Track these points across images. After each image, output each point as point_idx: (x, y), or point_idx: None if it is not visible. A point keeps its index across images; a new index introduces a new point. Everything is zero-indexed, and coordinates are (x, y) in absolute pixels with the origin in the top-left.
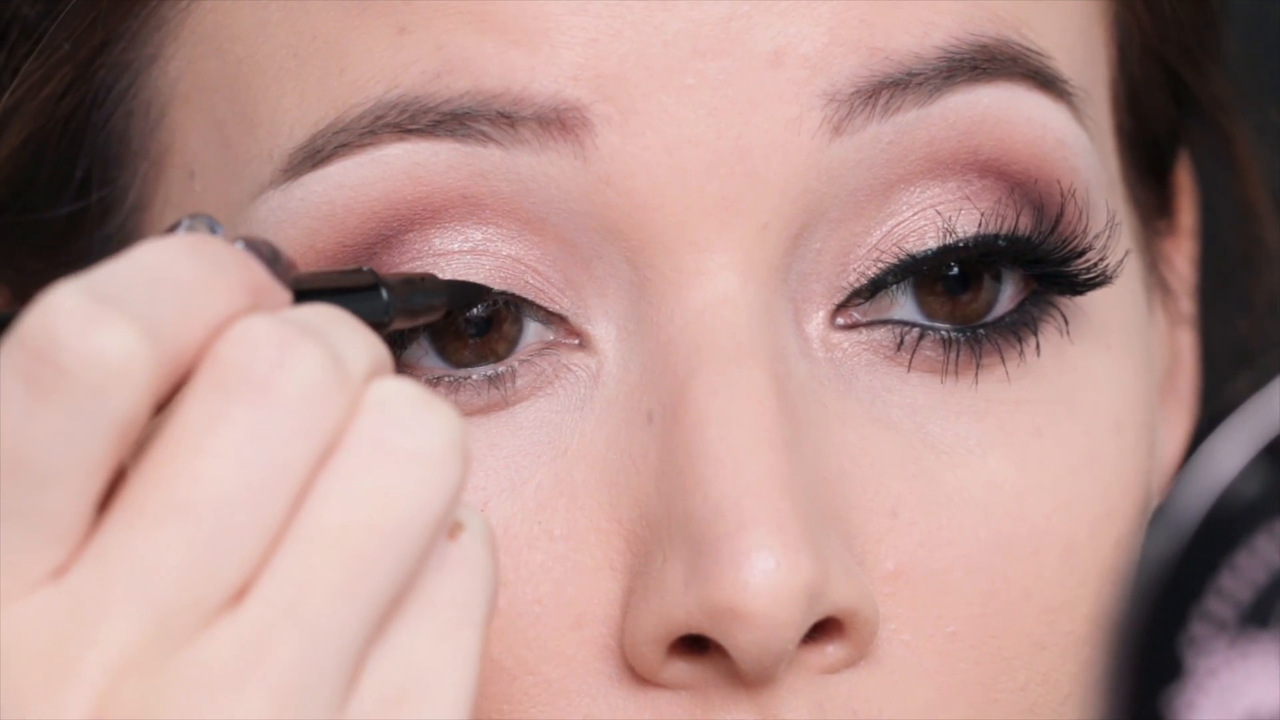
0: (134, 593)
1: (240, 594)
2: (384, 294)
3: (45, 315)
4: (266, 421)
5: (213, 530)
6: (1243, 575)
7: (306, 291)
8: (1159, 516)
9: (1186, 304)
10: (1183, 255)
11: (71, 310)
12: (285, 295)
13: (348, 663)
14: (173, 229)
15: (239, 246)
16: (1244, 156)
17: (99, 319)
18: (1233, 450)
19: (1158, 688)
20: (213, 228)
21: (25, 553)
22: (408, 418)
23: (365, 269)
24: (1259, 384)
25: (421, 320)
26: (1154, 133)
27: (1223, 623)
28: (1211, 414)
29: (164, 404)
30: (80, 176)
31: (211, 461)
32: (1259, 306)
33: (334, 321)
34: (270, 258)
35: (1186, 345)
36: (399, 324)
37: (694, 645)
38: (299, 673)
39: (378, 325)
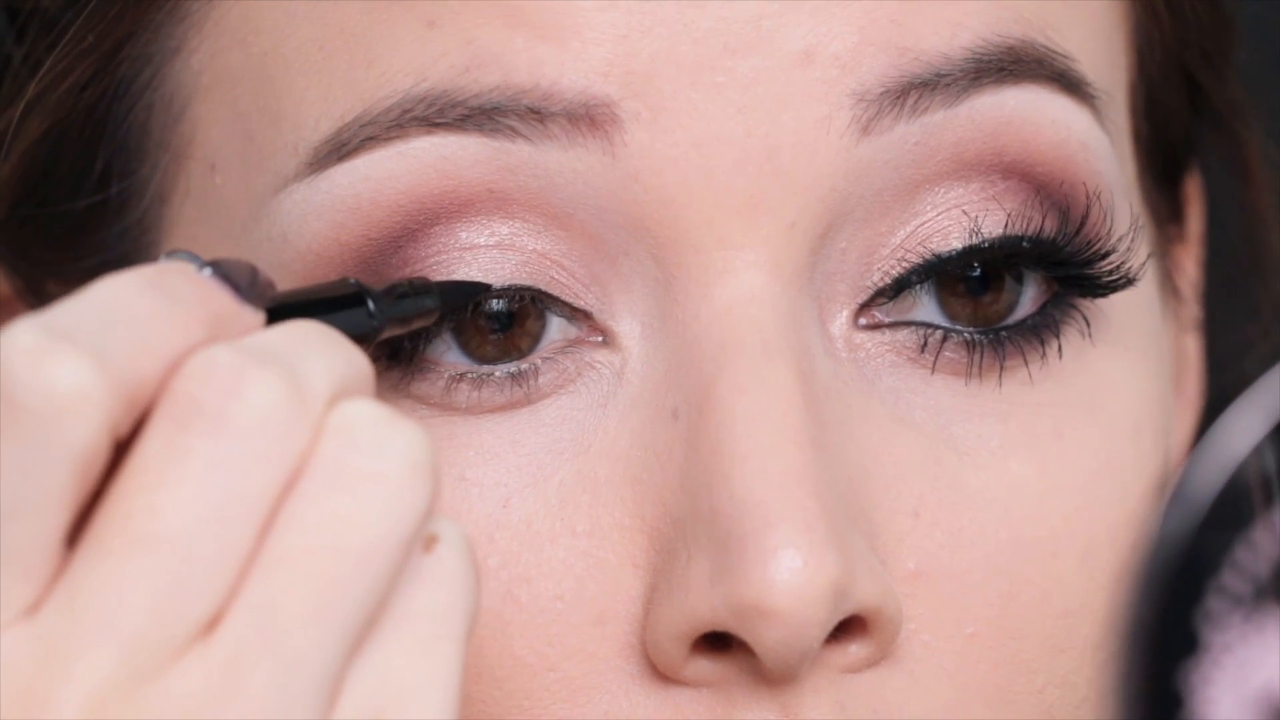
0: (104, 629)
1: (211, 625)
2: (370, 305)
3: (1, 353)
4: (224, 452)
5: (177, 563)
6: (1258, 550)
7: (290, 308)
8: (1174, 493)
9: (1194, 309)
10: (1192, 261)
11: (26, 346)
12: (256, 318)
13: (323, 687)
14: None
15: (207, 273)
16: (1255, 163)
17: (52, 353)
18: (1247, 427)
19: (1174, 663)
20: (192, 261)
21: None
22: (371, 439)
23: (351, 280)
24: (1269, 363)
25: (415, 325)
26: (1170, 138)
27: (1239, 598)
28: (1224, 392)
29: (127, 439)
30: (100, 169)
31: (172, 494)
32: (1265, 312)
33: (297, 345)
34: (245, 281)
35: (1193, 349)
36: (391, 332)
37: (716, 643)
38: (273, 700)
39: (366, 336)
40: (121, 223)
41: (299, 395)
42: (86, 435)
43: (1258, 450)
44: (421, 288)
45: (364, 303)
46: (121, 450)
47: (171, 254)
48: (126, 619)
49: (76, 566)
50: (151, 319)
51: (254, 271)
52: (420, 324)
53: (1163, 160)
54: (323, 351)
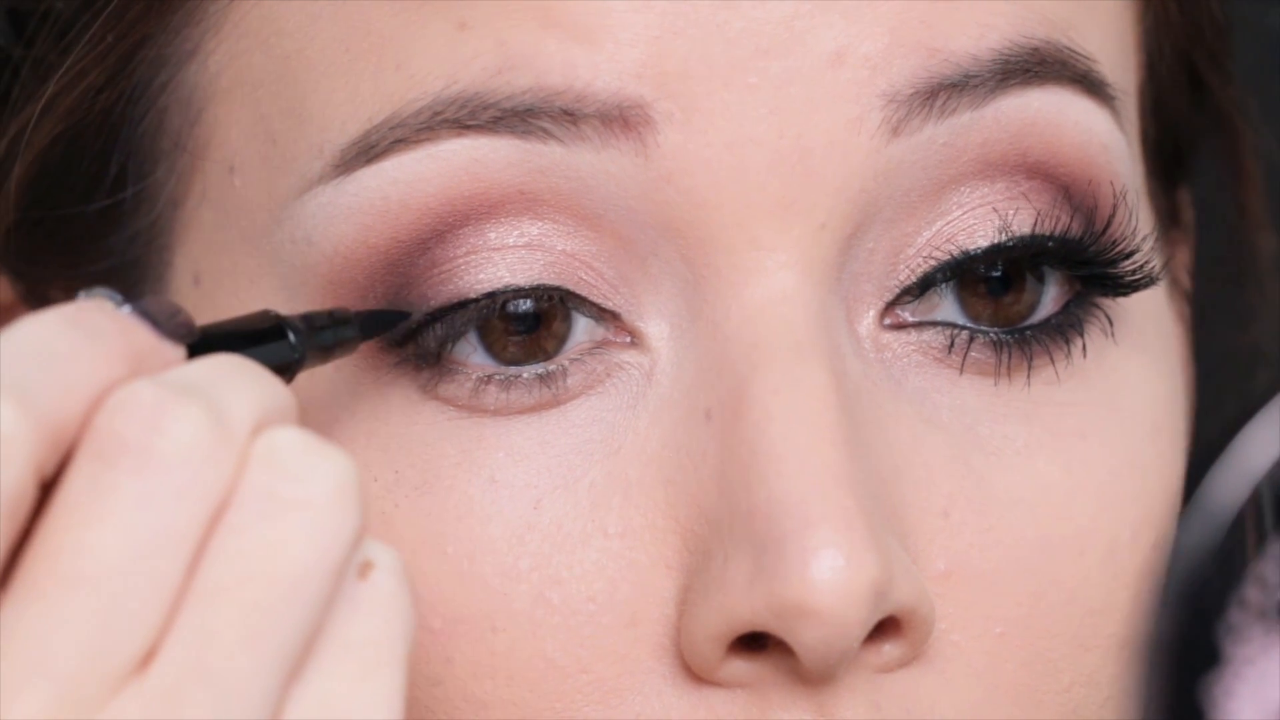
0: (38, 668)
1: (146, 659)
2: (290, 336)
3: None
4: (148, 486)
5: (108, 600)
6: None
7: (211, 342)
8: (1195, 505)
9: (1187, 310)
10: (1186, 263)
11: None
12: (176, 353)
13: (261, 716)
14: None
15: (126, 310)
16: (1249, 163)
17: None
18: (1269, 439)
19: (1196, 676)
20: (111, 299)
21: None
22: (295, 467)
23: (270, 312)
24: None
25: (337, 355)
26: (1174, 139)
27: (1261, 611)
28: (1246, 406)
29: (53, 478)
30: (114, 173)
31: (98, 532)
32: (1264, 315)
33: (218, 377)
34: (165, 317)
35: (1186, 349)
36: (313, 363)
37: (751, 644)
38: None
39: (288, 367)
40: (133, 227)
41: (222, 426)
42: (12, 478)
43: (1279, 464)
44: (341, 318)
45: (284, 335)
46: (48, 489)
47: (90, 292)
48: (60, 658)
49: (7, 608)
50: (72, 357)
51: (175, 309)
52: (341, 354)
53: (1165, 161)
54: (244, 383)
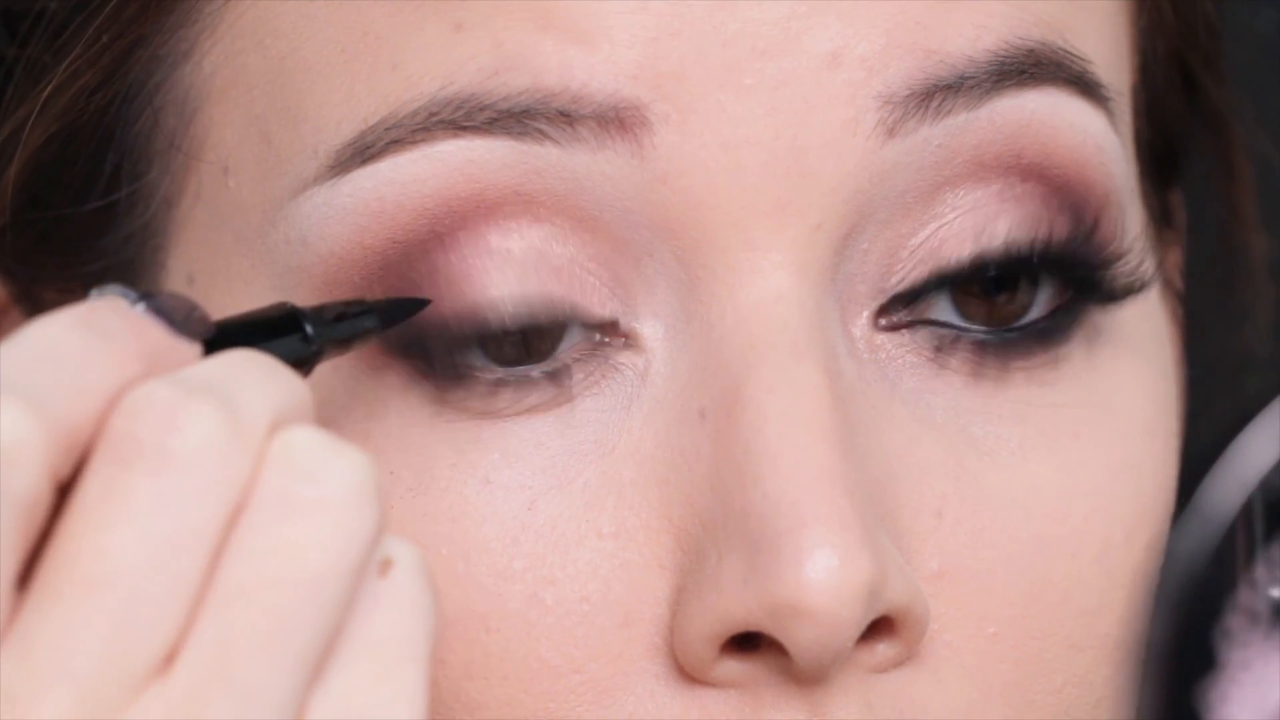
0: (60, 672)
1: (167, 661)
2: (308, 329)
3: None
4: (165, 487)
5: (127, 602)
6: (1277, 568)
7: (227, 337)
8: (1192, 510)
9: (1179, 312)
10: (1178, 264)
11: None
12: (192, 350)
13: (284, 717)
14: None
15: (140, 308)
16: (1241, 165)
17: None
18: (1266, 444)
19: (1192, 680)
20: (125, 296)
21: None
22: (313, 467)
23: (287, 304)
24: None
25: (356, 346)
26: (1167, 140)
27: (1257, 615)
28: (1244, 410)
29: (70, 480)
30: (108, 173)
31: (115, 534)
32: (1259, 315)
33: (234, 374)
34: (180, 314)
35: (1178, 350)
36: (331, 355)
37: (745, 644)
38: None
39: (305, 360)
40: (127, 227)
41: (237, 425)
42: (27, 482)
43: (1275, 468)
44: (360, 308)
45: (301, 328)
46: (65, 493)
47: (103, 290)
48: (81, 661)
49: (28, 611)
50: (85, 358)
51: (190, 304)
52: (361, 344)
53: (1158, 162)
54: (260, 379)
